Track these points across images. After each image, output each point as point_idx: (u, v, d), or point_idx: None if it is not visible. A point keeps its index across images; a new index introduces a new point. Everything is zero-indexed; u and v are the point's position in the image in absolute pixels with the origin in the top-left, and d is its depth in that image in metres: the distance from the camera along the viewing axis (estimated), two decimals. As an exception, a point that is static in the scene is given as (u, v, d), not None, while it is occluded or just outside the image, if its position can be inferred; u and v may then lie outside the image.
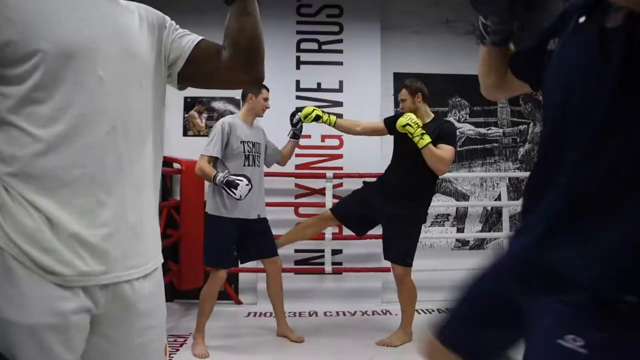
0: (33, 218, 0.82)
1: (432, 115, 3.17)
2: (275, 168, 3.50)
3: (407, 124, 2.85)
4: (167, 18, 1.07)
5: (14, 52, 0.80)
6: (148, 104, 0.97)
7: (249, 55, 1.03)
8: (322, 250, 4.01)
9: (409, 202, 3.00)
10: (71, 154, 0.84)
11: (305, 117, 3.20)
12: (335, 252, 4.06)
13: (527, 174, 4.35)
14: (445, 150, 2.87)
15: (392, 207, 3.00)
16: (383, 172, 3.42)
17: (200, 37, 1.06)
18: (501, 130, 4.73)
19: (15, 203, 0.82)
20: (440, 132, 2.94)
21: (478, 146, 4.68)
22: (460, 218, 4.55)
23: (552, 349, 0.78)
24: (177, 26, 1.07)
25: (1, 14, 0.79)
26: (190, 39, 1.05)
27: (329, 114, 3.34)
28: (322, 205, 4.01)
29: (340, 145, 4.26)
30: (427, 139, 2.82)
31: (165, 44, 1.02)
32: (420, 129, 2.84)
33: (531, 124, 4.80)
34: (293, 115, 3.31)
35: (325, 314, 3.77)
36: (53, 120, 0.83)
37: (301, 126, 3.31)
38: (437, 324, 1.10)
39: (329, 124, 3.33)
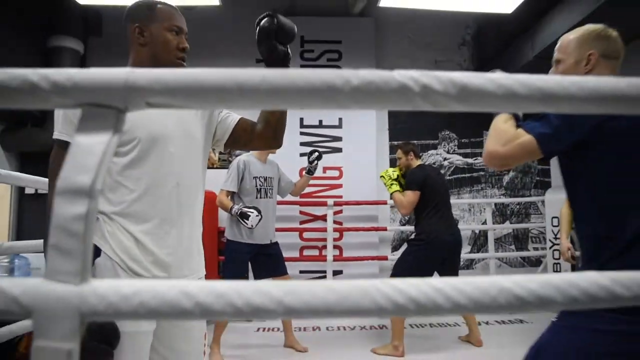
0: (128, 240, 1.29)
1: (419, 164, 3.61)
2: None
3: (382, 176, 3.51)
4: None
5: (123, 138, 1.27)
6: (199, 167, 1.44)
7: (276, 131, 1.49)
8: (325, 271, 4.43)
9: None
10: (150, 201, 1.31)
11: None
12: (335, 272, 4.48)
13: (511, 199, 4.79)
14: (406, 196, 3.38)
15: None
16: (374, 201, 3.90)
17: (240, 117, 1.52)
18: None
19: (118, 231, 1.28)
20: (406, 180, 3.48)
21: (466, 175, 5.14)
22: (450, 241, 4.97)
23: None
24: (222, 110, 1.54)
25: None
26: (232, 119, 1.51)
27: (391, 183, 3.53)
28: (324, 230, 4.45)
29: (340, 176, 4.72)
30: (393, 188, 3.40)
31: (213, 124, 1.48)
32: (390, 179, 3.43)
33: (514, 154, 5.25)
34: (311, 154, 3.63)
35: (327, 328, 4.15)
36: (141, 180, 1.30)
37: (316, 165, 3.64)
38: None
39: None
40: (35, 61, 4.24)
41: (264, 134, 1.47)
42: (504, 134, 1.26)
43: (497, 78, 0.45)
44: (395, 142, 4.63)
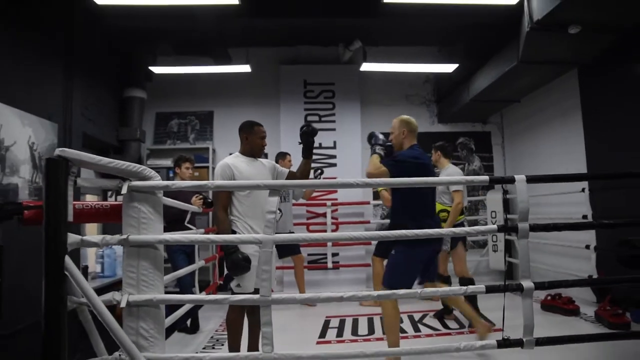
0: (246, 229, 2.95)
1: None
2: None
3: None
4: (275, 164, 3.21)
5: (242, 190, 2.94)
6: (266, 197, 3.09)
7: (303, 176, 3.15)
8: (325, 253, 6.12)
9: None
10: (252, 211, 2.97)
11: None
12: (334, 254, 6.17)
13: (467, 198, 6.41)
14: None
15: None
16: (360, 201, 5.52)
17: (288, 170, 3.19)
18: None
19: (241, 225, 2.95)
20: None
21: (430, 180, 6.82)
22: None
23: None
24: (278, 166, 3.20)
25: (236, 175, 2.94)
26: (284, 171, 3.17)
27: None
28: (324, 224, 6.12)
29: (335, 184, 6.40)
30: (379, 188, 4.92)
31: (275, 176, 3.14)
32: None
33: (466, 164, 6.96)
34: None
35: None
36: (247, 205, 2.96)
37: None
38: None
39: None
40: (116, 107, 5.91)
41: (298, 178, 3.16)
42: (375, 165, 3.06)
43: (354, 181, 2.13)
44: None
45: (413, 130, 3.28)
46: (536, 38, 4.04)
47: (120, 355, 2.16)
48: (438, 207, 4.59)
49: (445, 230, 2.49)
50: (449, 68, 5.84)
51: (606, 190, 4.55)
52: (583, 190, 4.75)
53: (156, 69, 5.93)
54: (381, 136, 3.47)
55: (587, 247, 4.65)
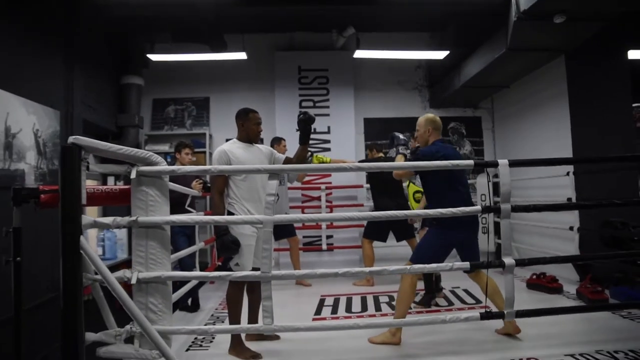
0: (243, 211, 3.11)
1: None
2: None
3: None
4: (272, 150, 3.36)
5: (238, 174, 3.10)
6: (265, 180, 3.23)
7: (300, 163, 3.30)
8: (320, 235, 6.31)
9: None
10: (249, 194, 3.12)
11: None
12: (328, 236, 6.36)
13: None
14: None
15: None
16: (354, 185, 5.69)
17: (285, 156, 3.34)
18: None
19: (238, 207, 3.11)
20: None
21: (422, 165, 7.00)
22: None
23: None
24: (275, 152, 3.35)
25: (232, 161, 3.09)
26: (281, 157, 3.32)
27: None
28: (319, 207, 6.29)
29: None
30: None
31: (272, 161, 3.29)
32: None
33: (457, 148, 7.12)
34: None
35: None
36: (243, 189, 3.10)
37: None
38: None
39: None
40: (114, 94, 6.01)
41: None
42: (402, 168, 3.20)
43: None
44: (369, 142, 6.38)
45: (437, 127, 3.42)
46: (523, 27, 4.19)
47: (131, 327, 2.34)
48: (413, 188, 4.78)
49: (433, 211, 2.67)
50: (440, 55, 5.98)
51: (591, 173, 4.74)
52: (568, 174, 4.95)
53: (154, 57, 6.01)
54: (401, 136, 3.77)
55: (571, 228, 4.86)
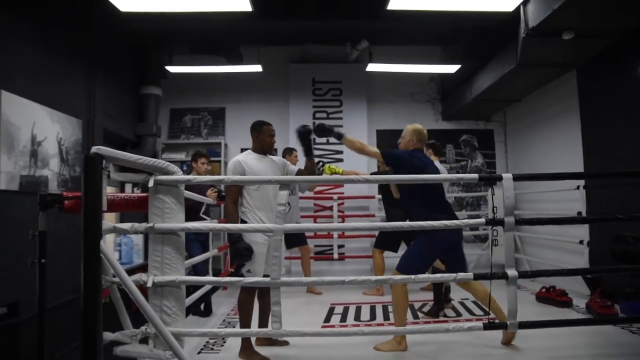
0: (255, 219, 3.22)
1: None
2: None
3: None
4: (286, 161, 3.48)
5: (252, 184, 3.22)
6: (277, 191, 3.34)
7: (311, 174, 3.41)
8: (332, 245, 6.39)
9: None
10: (261, 203, 3.24)
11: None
12: (340, 246, 6.45)
13: (466, 194, 6.80)
14: None
15: None
16: (366, 195, 5.77)
17: (298, 168, 3.45)
18: (449, 165, 7.09)
19: (251, 216, 3.23)
20: None
21: (433, 176, 7.06)
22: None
23: None
24: (289, 163, 3.47)
25: (246, 171, 3.21)
26: (294, 169, 3.44)
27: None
28: (331, 217, 6.39)
29: (342, 179, 6.65)
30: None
31: (285, 173, 3.41)
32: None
33: (469, 161, 7.18)
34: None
35: (334, 283, 6.10)
36: (256, 198, 3.22)
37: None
38: None
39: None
40: (133, 104, 6.22)
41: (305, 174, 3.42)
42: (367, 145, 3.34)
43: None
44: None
45: (422, 140, 3.48)
46: (532, 43, 4.26)
47: (146, 329, 2.46)
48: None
49: (438, 223, 2.75)
50: (451, 69, 6.07)
51: (601, 188, 4.76)
52: (578, 187, 4.97)
53: (171, 68, 6.21)
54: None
55: (581, 242, 4.87)
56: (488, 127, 7.31)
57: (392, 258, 5.45)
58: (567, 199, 5.30)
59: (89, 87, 4.86)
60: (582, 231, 4.92)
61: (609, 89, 4.76)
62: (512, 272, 2.65)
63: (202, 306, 4.49)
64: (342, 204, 6.57)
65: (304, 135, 3.30)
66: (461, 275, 2.69)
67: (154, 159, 2.47)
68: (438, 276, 2.71)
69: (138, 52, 6.16)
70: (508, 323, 2.68)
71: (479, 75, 5.74)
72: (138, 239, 5.82)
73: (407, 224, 2.80)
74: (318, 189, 6.44)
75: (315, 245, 6.37)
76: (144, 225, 2.47)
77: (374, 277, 2.67)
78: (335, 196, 6.49)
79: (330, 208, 6.50)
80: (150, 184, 2.47)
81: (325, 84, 6.89)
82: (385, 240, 5.31)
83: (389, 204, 5.33)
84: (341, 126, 6.78)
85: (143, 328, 2.46)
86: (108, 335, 2.36)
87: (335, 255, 6.35)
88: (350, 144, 3.34)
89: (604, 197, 4.74)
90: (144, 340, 2.52)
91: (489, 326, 2.67)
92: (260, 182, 3.07)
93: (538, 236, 5.78)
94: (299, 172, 3.48)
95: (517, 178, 2.70)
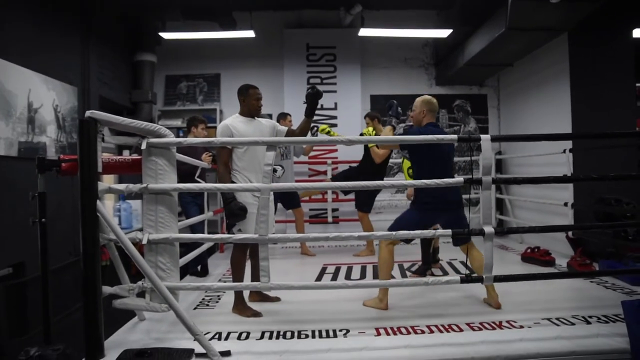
0: (244, 180, 3.34)
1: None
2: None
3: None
4: (275, 123, 3.58)
5: (240, 147, 3.33)
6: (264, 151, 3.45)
7: (302, 134, 3.52)
8: (326, 208, 6.56)
9: None
10: (250, 165, 3.35)
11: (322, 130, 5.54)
12: (334, 209, 6.61)
13: (461, 158, 6.85)
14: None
15: None
16: (359, 160, 5.89)
17: (287, 128, 3.55)
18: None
19: (240, 177, 3.35)
20: None
21: (426, 141, 7.16)
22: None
23: None
24: (278, 125, 3.56)
25: (234, 134, 3.32)
26: (283, 130, 3.54)
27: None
28: (325, 181, 6.51)
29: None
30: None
31: (275, 134, 3.51)
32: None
33: (462, 126, 7.26)
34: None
35: (327, 247, 6.29)
36: (245, 160, 3.33)
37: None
38: None
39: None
40: (128, 71, 6.26)
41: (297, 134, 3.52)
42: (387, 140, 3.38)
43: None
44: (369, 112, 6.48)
45: (432, 110, 3.51)
46: (521, 7, 4.29)
47: (142, 283, 2.63)
48: (407, 163, 4.98)
49: (409, 182, 2.87)
50: (444, 33, 6.08)
51: (587, 150, 4.86)
52: (564, 151, 5.07)
53: (165, 35, 6.22)
54: (399, 109, 3.91)
55: (566, 204, 5.01)
56: (482, 92, 7.34)
57: (383, 222, 5.66)
58: (555, 162, 5.41)
59: (83, 55, 4.92)
60: (568, 194, 5.05)
61: (601, 52, 4.80)
62: (488, 229, 2.79)
63: (199, 267, 4.69)
64: (336, 168, 6.68)
65: (313, 96, 3.38)
66: (440, 231, 2.84)
67: (145, 122, 2.58)
68: (418, 232, 2.86)
69: (131, 18, 6.16)
70: (484, 276, 2.84)
71: (471, 39, 5.76)
72: (137, 205, 5.96)
73: (383, 183, 2.95)
74: (312, 153, 6.55)
75: (310, 209, 6.53)
76: (138, 185, 2.60)
77: (356, 234, 2.79)
78: (329, 160, 6.61)
79: (325, 172, 6.63)
80: (143, 146, 2.59)
81: (320, 49, 6.90)
82: (359, 202, 5.52)
83: (363, 174, 5.32)
84: (335, 91, 6.86)
85: (140, 283, 2.63)
86: (107, 289, 2.54)
87: (330, 219, 6.52)
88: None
89: (591, 161, 4.84)
90: (140, 295, 2.69)
91: (465, 280, 2.83)
92: (247, 143, 3.16)
93: (525, 199, 5.93)
94: (289, 132, 3.57)
95: (495, 139, 2.81)
